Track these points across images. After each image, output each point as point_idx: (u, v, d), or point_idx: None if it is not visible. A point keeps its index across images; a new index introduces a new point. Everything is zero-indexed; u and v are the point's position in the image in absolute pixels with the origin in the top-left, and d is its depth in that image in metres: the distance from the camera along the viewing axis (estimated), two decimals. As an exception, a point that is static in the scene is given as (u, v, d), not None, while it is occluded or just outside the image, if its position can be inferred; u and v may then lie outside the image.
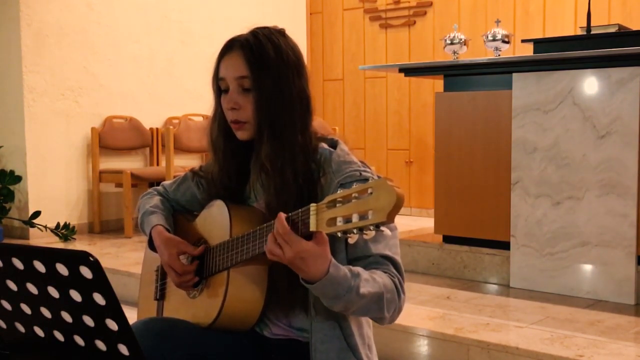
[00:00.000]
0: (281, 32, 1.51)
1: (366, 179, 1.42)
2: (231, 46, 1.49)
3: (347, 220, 1.16)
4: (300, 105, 1.47)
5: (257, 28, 1.51)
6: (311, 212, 1.22)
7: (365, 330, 1.52)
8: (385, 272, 1.39)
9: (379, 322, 1.43)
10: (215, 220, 1.55)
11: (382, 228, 1.14)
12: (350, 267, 1.33)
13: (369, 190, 1.13)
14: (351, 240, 1.17)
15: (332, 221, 1.18)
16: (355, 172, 1.43)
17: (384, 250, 1.42)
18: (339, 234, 1.18)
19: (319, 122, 6.41)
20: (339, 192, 1.19)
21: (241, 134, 1.50)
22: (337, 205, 1.18)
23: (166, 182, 1.80)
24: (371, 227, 1.13)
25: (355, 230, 1.15)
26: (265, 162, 1.45)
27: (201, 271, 1.55)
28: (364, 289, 1.31)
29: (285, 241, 1.24)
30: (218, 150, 1.57)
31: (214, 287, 1.51)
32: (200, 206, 1.67)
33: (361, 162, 1.50)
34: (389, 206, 1.10)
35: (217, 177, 1.59)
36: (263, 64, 1.45)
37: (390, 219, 1.11)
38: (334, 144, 1.52)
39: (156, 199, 1.73)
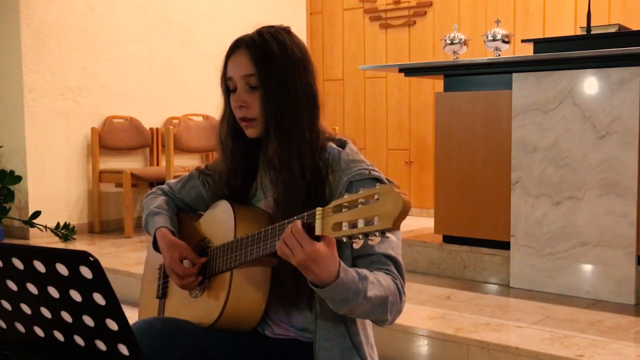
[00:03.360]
0: (286, 30, 1.53)
1: (375, 178, 1.43)
2: (237, 46, 1.51)
3: (353, 225, 1.16)
4: (307, 101, 1.48)
5: (263, 27, 1.53)
6: (317, 216, 1.22)
7: (368, 329, 1.53)
8: (387, 274, 1.40)
9: (379, 324, 1.43)
10: (220, 221, 1.55)
11: (387, 234, 1.14)
12: (357, 269, 1.33)
13: (376, 196, 1.13)
14: (356, 246, 1.18)
15: (338, 226, 1.18)
16: (364, 170, 1.44)
17: (387, 250, 1.42)
18: (344, 239, 1.18)
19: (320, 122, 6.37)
20: (345, 196, 1.19)
21: (250, 132, 1.51)
22: (343, 210, 1.18)
23: (171, 181, 1.80)
24: (376, 233, 1.13)
25: (360, 236, 1.15)
26: (273, 157, 1.46)
27: (204, 271, 1.55)
28: (371, 292, 1.32)
29: (297, 242, 1.24)
30: (227, 150, 1.58)
31: (217, 287, 1.51)
32: (205, 205, 1.67)
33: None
34: (395, 213, 1.10)
35: (224, 176, 1.59)
36: (268, 61, 1.46)
37: (396, 225, 1.11)
38: (342, 144, 1.53)
39: (161, 199, 1.73)
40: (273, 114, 1.46)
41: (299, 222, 1.25)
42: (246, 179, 1.59)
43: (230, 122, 1.55)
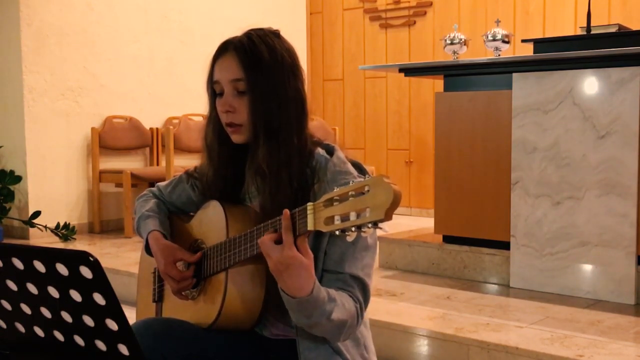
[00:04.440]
0: (276, 34, 1.50)
1: None
2: (225, 48, 1.48)
3: (345, 218, 1.15)
4: (296, 107, 1.46)
5: (252, 30, 1.49)
6: (308, 212, 1.21)
7: (364, 330, 1.51)
8: (350, 296, 1.39)
9: (328, 341, 1.43)
10: (211, 221, 1.54)
11: (380, 225, 1.13)
12: (328, 290, 1.33)
13: (366, 188, 1.13)
14: (349, 238, 1.17)
15: (330, 220, 1.18)
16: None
17: (357, 271, 1.41)
18: (337, 232, 1.17)
19: (319, 122, 6.38)
20: (335, 190, 1.18)
21: (236, 138, 1.49)
22: (334, 203, 1.17)
23: (161, 184, 1.78)
24: (369, 225, 1.13)
25: (353, 228, 1.15)
26: (262, 164, 1.44)
27: (199, 272, 1.55)
28: (336, 314, 1.32)
29: (275, 246, 1.25)
30: (213, 154, 1.56)
31: (213, 288, 1.50)
32: (196, 208, 1.66)
33: (358, 166, 1.49)
34: (387, 203, 1.10)
35: (212, 181, 1.57)
36: (257, 66, 1.43)
37: (388, 216, 1.11)
38: (330, 151, 1.49)
39: (152, 202, 1.71)
40: (261, 120, 1.43)
41: (288, 214, 1.25)
42: (234, 184, 1.57)
43: (216, 126, 1.53)
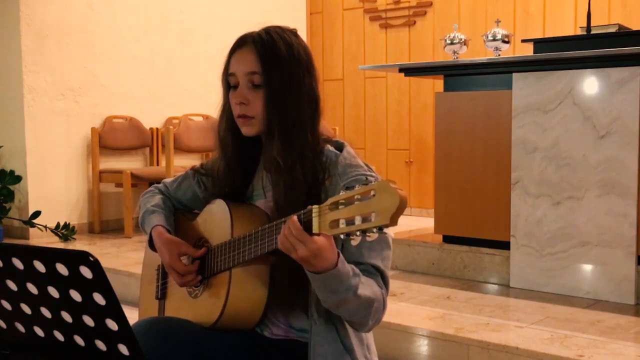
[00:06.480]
0: (293, 32, 1.52)
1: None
2: (243, 42, 1.49)
3: (350, 222, 1.15)
4: (310, 104, 1.48)
5: (270, 26, 1.51)
6: (313, 214, 1.22)
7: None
8: (374, 280, 1.41)
9: (358, 328, 1.43)
10: (216, 220, 1.54)
11: (385, 230, 1.13)
12: (353, 267, 1.34)
13: (372, 192, 1.13)
14: (354, 242, 1.17)
15: (335, 223, 1.18)
16: (361, 175, 1.43)
17: (377, 261, 1.42)
18: (342, 236, 1.17)
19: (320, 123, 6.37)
20: (341, 193, 1.18)
21: (246, 130, 1.50)
22: (340, 207, 1.17)
23: (167, 180, 1.78)
24: (374, 230, 1.13)
25: (358, 233, 1.15)
26: (278, 158, 1.44)
27: (202, 271, 1.55)
28: (362, 290, 1.33)
29: (299, 241, 1.24)
30: (226, 147, 1.56)
31: (216, 287, 1.50)
32: (201, 205, 1.66)
33: (366, 164, 1.50)
34: (392, 208, 1.10)
35: (222, 174, 1.58)
36: (275, 60, 1.45)
37: (393, 221, 1.11)
38: (340, 147, 1.51)
39: (157, 198, 1.72)
40: (276, 114, 1.45)
41: (296, 221, 1.25)
42: (244, 178, 1.58)
43: (229, 119, 1.54)
